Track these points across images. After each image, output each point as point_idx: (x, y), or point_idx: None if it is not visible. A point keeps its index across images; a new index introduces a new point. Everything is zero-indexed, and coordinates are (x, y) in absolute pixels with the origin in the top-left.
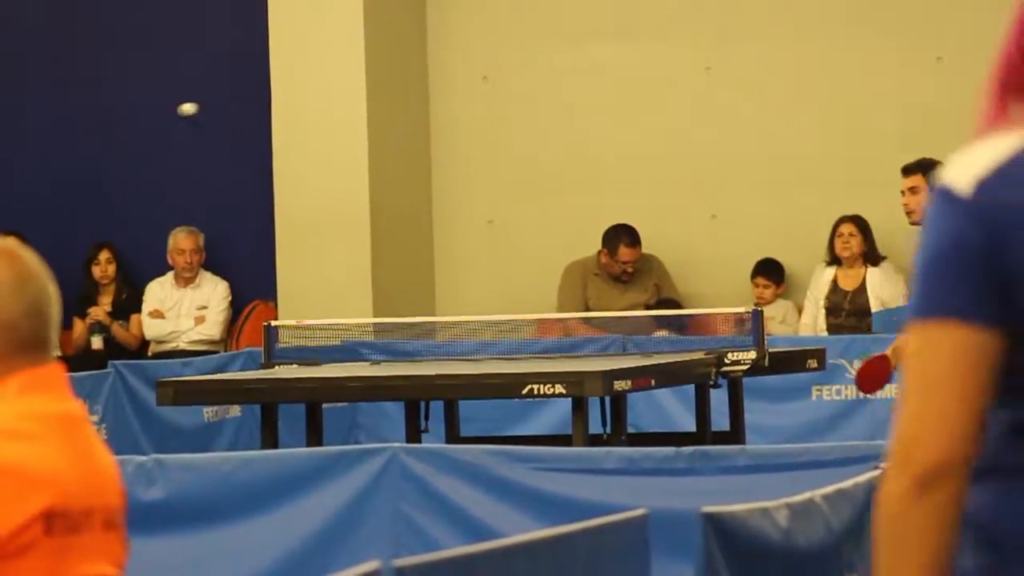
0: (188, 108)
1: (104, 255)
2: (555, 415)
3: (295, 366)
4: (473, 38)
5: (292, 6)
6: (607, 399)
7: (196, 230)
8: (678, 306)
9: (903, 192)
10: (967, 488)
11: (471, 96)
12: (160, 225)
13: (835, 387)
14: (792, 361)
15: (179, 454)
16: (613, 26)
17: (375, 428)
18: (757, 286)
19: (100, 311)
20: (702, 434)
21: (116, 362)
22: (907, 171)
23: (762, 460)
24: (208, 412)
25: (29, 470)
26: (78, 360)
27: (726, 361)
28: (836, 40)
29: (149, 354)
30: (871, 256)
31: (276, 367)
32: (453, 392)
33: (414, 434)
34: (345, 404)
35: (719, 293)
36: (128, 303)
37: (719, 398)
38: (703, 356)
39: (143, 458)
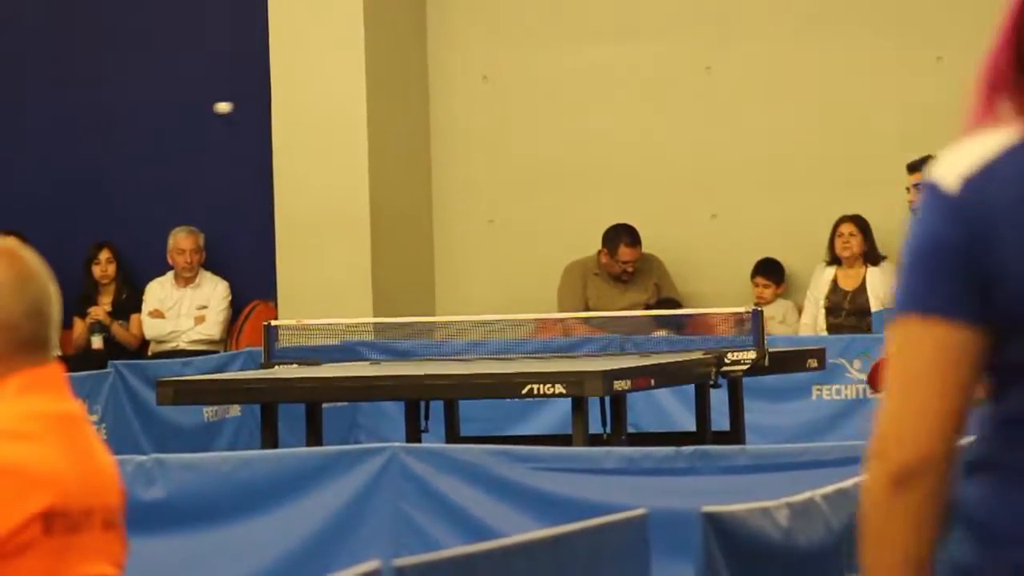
0: (223, 107)
1: (104, 255)
2: (555, 415)
3: (295, 366)
4: (473, 38)
5: (292, 6)
6: (607, 399)
7: (196, 230)
8: (678, 306)
9: (908, 189)
10: (950, 483)
11: (471, 96)
12: (160, 225)
13: (835, 387)
14: (792, 361)
15: (179, 454)
16: (613, 26)
17: (375, 428)
18: (757, 286)
19: (100, 311)
20: (702, 434)
21: (116, 362)
22: (913, 168)
23: (762, 460)
24: (208, 412)
25: (29, 470)
26: (78, 360)
27: (726, 361)
28: (836, 40)
29: (149, 354)
30: (871, 256)
31: (276, 367)
32: (453, 392)
33: (414, 434)
34: (345, 404)
35: (719, 293)
36: (128, 303)
37: (719, 398)
38: (703, 356)
39: (143, 458)
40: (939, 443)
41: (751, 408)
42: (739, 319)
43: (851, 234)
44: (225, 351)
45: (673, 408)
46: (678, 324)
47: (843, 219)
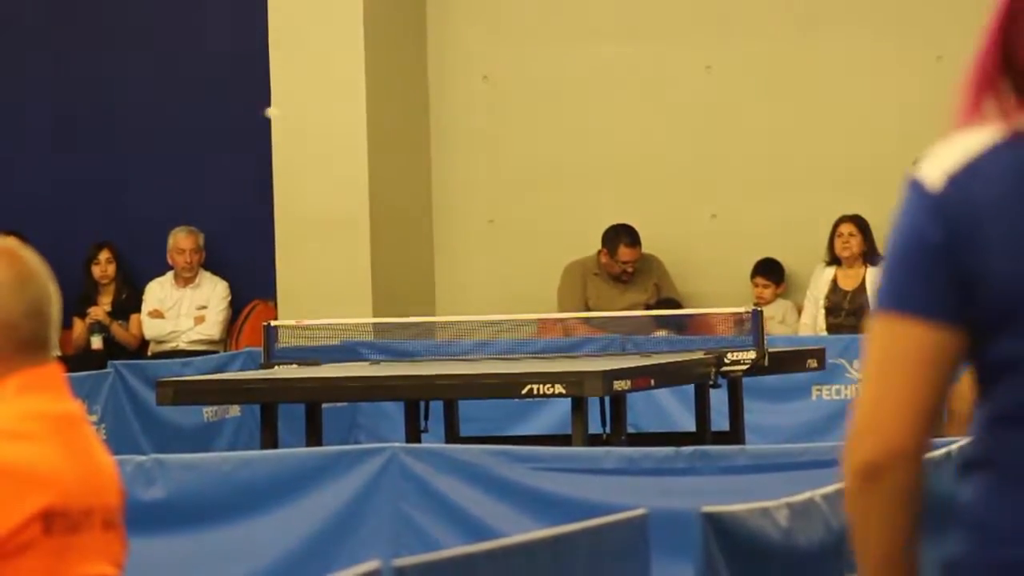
0: (273, 112)
1: (104, 255)
2: (555, 415)
3: (295, 366)
4: (473, 38)
5: (292, 6)
6: (607, 399)
7: (196, 230)
8: (678, 306)
9: None
10: (921, 479)
11: (471, 96)
12: (160, 225)
13: (835, 387)
14: (792, 361)
15: (179, 454)
16: (613, 26)
17: (375, 428)
18: (757, 286)
19: (100, 311)
20: (702, 434)
21: (116, 362)
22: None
23: (762, 460)
24: (208, 412)
25: (28, 470)
26: (78, 360)
27: (726, 361)
28: (836, 40)
29: (149, 354)
30: (871, 256)
31: (276, 367)
32: (453, 392)
33: (414, 434)
34: (345, 404)
35: (719, 293)
36: (128, 303)
37: (719, 398)
38: (703, 356)
39: (143, 458)
40: (908, 439)
41: (751, 408)
42: (739, 319)
43: (851, 234)
44: (225, 351)
45: (673, 408)
46: (678, 324)
47: (843, 219)
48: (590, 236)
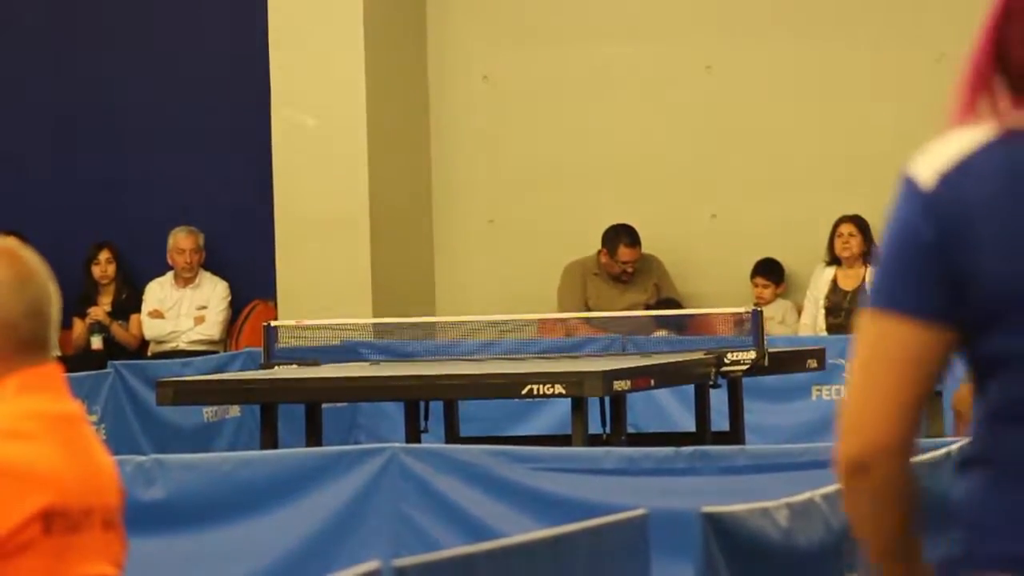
0: (307, 120)
1: (104, 255)
2: (555, 415)
3: (295, 366)
4: (473, 38)
5: (292, 6)
6: (607, 399)
7: (196, 230)
8: (678, 306)
9: None
10: (907, 473)
11: (471, 96)
12: (160, 225)
13: (835, 387)
14: (792, 361)
15: (179, 454)
16: (613, 26)
17: (375, 428)
18: (757, 286)
19: (100, 311)
20: (702, 434)
21: (116, 362)
22: None
23: (762, 460)
24: (208, 412)
25: (28, 470)
26: (78, 360)
27: (726, 361)
28: (836, 39)
29: (149, 354)
30: (871, 256)
31: (276, 367)
32: (453, 392)
33: (414, 434)
34: (345, 404)
35: (719, 293)
36: (128, 303)
37: (719, 398)
38: (703, 356)
39: (143, 458)
40: (892, 435)
41: (751, 408)
42: (739, 319)
43: (851, 234)
44: (225, 351)
45: (673, 408)
46: (678, 324)
47: (843, 219)
48: (590, 236)
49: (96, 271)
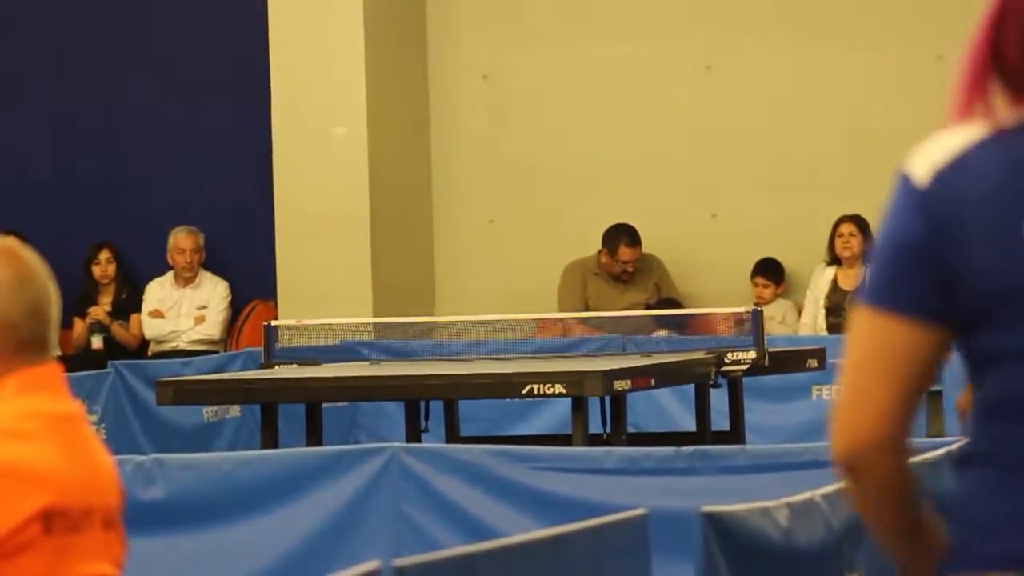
0: (339, 130)
1: (104, 255)
2: (555, 415)
3: (295, 366)
4: (473, 37)
5: (292, 6)
6: (607, 399)
7: (196, 230)
8: (678, 306)
9: None
10: (902, 469)
11: (471, 96)
12: (160, 225)
13: (835, 387)
14: (792, 361)
15: (179, 454)
16: (613, 25)
17: (375, 428)
18: (757, 286)
19: (100, 311)
20: (702, 434)
21: (116, 362)
22: None
23: (762, 460)
24: (208, 412)
25: (28, 469)
26: (78, 360)
27: (726, 361)
28: (836, 39)
29: (149, 354)
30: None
31: (276, 367)
32: (453, 392)
33: (414, 434)
34: (345, 404)
35: (719, 293)
36: (128, 303)
37: (719, 398)
38: (703, 356)
39: (143, 458)
40: (883, 433)
41: (751, 408)
42: (739, 319)
43: (851, 234)
44: (225, 351)
45: (673, 408)
46: (678, 324)
47: (843, 219)
48: (590, 236)
49: (96, 271)
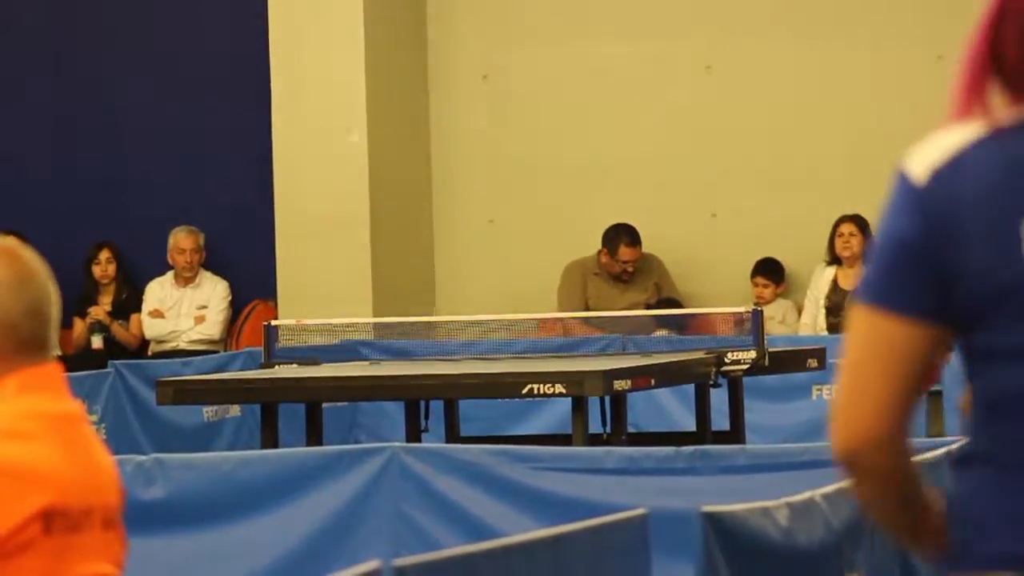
0: (354, 138)
1: (104, 255)
2: (555, 415)
3: (295, 366)
4: (473, 37)
5: (292, 6)
6: (607, 399)
7: (196, 230)
8: (678, 305)
9: None
10: (901, 464)
11: (471, 95)
12: (160, 225)
13: (834, 385)
14: (792, 361)
15: (179, 454)
16: (614, 25)
17: (375, 428)
18: (757, 286)
19: (100, 311)
20: (702, 434)
21: (116, 362)
22: None
23: (762, 460)
24: (208, 412)
25: (28, 469)
26: (78, 360)
27: (726, 361)
28: (836, 39)
29: (149, 354)
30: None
31: (276, 367)
32: (453, 392)
33: (414, 434)
34: (345, 404)
35: (719, 293)
36: (128, 303)
37: (719, 398)
38: (703, 356)
39: (143, 458)
40: (880, 429)
41: (751, 408)
42: (739, 319)
43: (851, 234)
44: (225, 351)
45: (673, 408)
46: (678, 324)
47: (843, 219)
48: (590, 236)
49: (96, 271)
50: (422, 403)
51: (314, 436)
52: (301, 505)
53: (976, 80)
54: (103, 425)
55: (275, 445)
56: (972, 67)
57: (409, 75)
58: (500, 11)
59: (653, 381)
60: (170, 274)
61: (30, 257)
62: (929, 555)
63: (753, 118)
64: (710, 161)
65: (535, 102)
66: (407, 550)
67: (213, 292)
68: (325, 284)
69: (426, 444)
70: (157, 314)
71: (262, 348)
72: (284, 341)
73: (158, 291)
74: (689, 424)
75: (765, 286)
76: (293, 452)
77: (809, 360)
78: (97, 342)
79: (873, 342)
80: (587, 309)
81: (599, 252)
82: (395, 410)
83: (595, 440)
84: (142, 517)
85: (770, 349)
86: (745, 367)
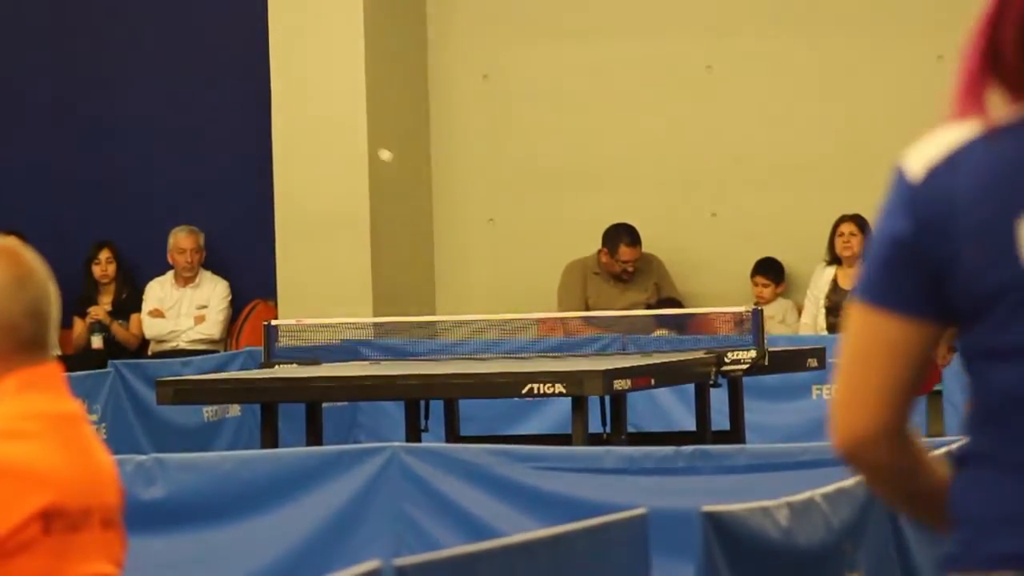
0: (385, 155)
1: (104, 254)
2: (555, 415)
3: (295, 366)
4: (473, 36)
5: (292, 6)
6: (607, 398)
7: (196, 229)
8: (678, 305)
9: None
10: (903, 454)
11: (471, 95)
12: (160, 225)
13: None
14: (792, 360)
15: (179, 454)
16: (614, 24)
17: (375, 428)
18: (757, 285)
19: (100, 310)
20: (702, 433)
21: (116, 361)
22: None
23: (762, 459)
24: (208, 412)
25: (27, 469)
26: (78, 359)
27: (726, 360)
28: (837, 39)
29: (149, 353)
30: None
31: (276, 366)
32: (453, 391)
33: (414, 434)
34: (345, 403)
35: (719, 292)
36: (128, 302)
37: (719, 397)
38: (703, 355)
39: (143, 457)
40: (877, 426)
41: (751, 408)
42: (739, 319)
43: (851, 234)
44: (225, 351)
45: (673, 408)
46: (678, 323)
47: (843, 219)
48: (590, 236)
49: (96, 271)
50: (422, 403)
51: (314, 436)
52: (301, 505)
53: (975, 79)
54: (103, 425)
55: (275, 445)
56: (971, 66)
57: (409, 75)
58: (500, 11)
59: (653, 381)
60: (170, 274)
61: (30, 257)
62: (943, 533)
63: (753, 118)
64: (710, 161)
65: (535, 102)
66: (407, 550)
67: (213, 292)
68: (325, 284)
69: (426, 444)
70: (157, 314)
71: (262, 348)
72: (284, 341)
73: (158, 291)
74: (689, 424)
75: (765, 286)
76: (293, 452)
77: (809, 360)
78: (97, 342)
79: (869, 340)
80: (587, 309)
81: (599, 252)
82: (395, 410)
83: (595, 440)
84: (142, 517)
85: (770, 349)
86: (745, 367)
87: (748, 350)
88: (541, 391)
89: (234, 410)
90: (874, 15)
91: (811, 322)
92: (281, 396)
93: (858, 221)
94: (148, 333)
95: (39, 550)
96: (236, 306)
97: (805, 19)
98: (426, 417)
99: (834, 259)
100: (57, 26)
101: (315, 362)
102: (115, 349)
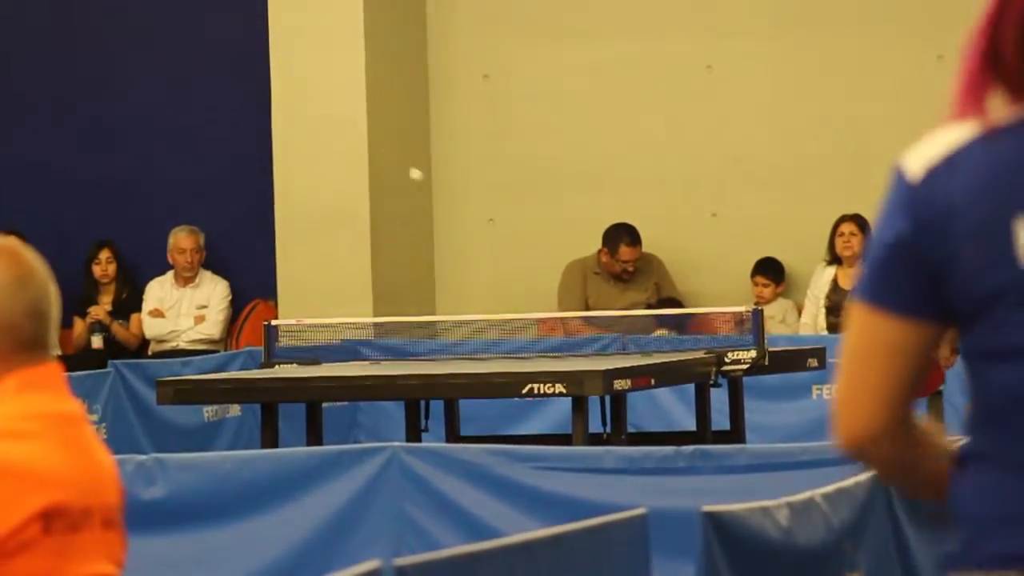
0: (416, 174)
1: (104, 254)
2: (555, 415)
3: (295, 365)
4: (474, 36)
5: (292, 6)
6: (607, 398)
7: (196, 229)
8: (678, 305)
9: None
10: (906, 447)
11: (471, 94)
12: (160, 225)
13: (833, 382)
14: (792, 360)
15: (179, 454)
16: (614, 24)
17: (375, 428)
18: (757, 285)
19: (100, 310)
20: (702, 433)
21: (116, 361)
22: None
23: (762, 459)
24: (208, 412)
25: (28, 469)
26: (78, 359)
27: (726, 360)
28: (837, 39)
29: (149, 353)
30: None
31: (276, 366)
32: (453, 391)
33: (414, 434)
34: (345, 403)
35: (719, 292)
36: (128, 302)
37: (719, 397)
38: (703, 355)
39: (143, 457)
40: (880, 425)
41: (751, 408)
42: (739, 319)
43: (852, 233)
44: (225, 351)
45: (673, 408)
46: (678, 323)
47: (843, 218)
48: (590, 236)
49: (96, 270)
50: (422, 403)
51: (314, 436)
52: (301, 505)
53: (975, 80)
54: (103, 425)
55: (275, 445)
56: (971, 67)
57: (409, 75)
58: (500, 11)
59: (653, 381)
60: (170, 274)
61: (30, 257)
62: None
63: (753, 118)
64: (710, 161)
65: (535, 102)
66: (407, 550)
67: (213, 292)
68: (325, 284)
69: (426, 444)
70: (157, 314)
71: (262, 348)
72: (284, 341)
73: (158, 291)
74: (689, 424)
75: (765, 286)
76: (293, 452)
77: (809, 360)
78: (97, 342)
79: (869, 340)
80: (587, 308)
81: (599, 252)
82: (395, 410)
83: (595, 440)
84: (142, 517)
85: (770, 349)
86: (745, 367)
87: (748, 350)
88: (541, 391)
89: (234, 410)
90: (874, 15)
91: (811, 322)
92: (281, 396)
93: (858, 221)
94: (148, 333)
95: (39, 550)
96: (236, 306)
97: (805, 19)
98: (426, 417)
99: (834, 259)
100: (57, 26)
101: (315, 362)
102: (115, 349)
